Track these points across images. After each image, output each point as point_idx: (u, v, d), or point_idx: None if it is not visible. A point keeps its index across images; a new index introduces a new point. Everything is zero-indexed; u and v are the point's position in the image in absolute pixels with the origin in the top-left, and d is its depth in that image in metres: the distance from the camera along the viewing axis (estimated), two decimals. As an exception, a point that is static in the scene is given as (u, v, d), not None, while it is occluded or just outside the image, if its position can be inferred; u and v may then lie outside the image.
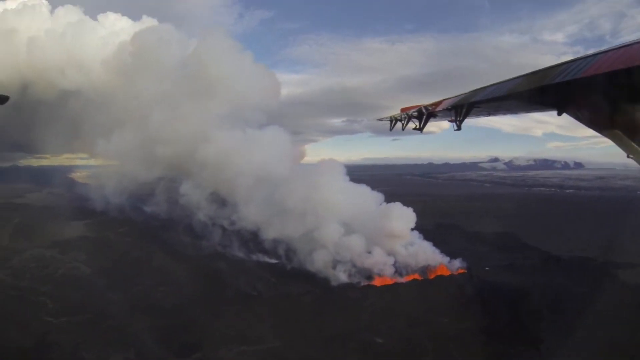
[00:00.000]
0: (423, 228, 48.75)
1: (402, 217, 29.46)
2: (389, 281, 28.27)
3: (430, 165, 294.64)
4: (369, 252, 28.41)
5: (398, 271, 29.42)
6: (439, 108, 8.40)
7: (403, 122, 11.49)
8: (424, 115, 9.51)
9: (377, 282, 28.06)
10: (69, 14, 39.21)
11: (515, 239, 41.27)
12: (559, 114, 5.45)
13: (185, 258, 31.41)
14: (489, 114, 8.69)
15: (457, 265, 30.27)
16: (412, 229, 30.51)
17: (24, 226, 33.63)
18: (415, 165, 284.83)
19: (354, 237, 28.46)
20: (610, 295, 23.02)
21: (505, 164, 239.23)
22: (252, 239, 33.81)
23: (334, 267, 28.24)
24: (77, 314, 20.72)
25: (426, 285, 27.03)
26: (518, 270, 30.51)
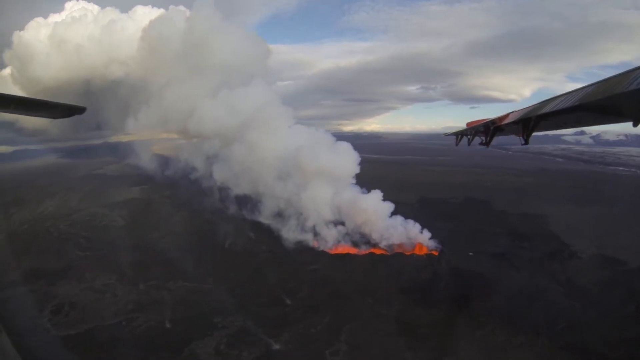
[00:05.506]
0: (447, 201, 47.03)
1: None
2: (343, 250, 28.71)
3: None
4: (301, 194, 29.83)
5: (357, 242, 29.47)
6: (506, 121, 7.99)
7: (469, 137, 11.24)
8: (490, 129, 9.17)
9: (332, 250, 28.95)
10: (107, 16, 47.52)
11: (541, 225, 34.76)
12: (635, 124, 4.84)
13: (193, 213, 38.64)
14: (558, 127, 8.02)
15: (433, 245, 28.09)
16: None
17: (92, 192, 45.27)
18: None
19: (287, 181, 30.57)
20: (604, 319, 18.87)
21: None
22: (244, 197, 38.28)
23: (280, 216, 30.88)
24: (97, 250, 29.35)
25: (381, 261, 26.23)
26: (508, 262, 26.37)
